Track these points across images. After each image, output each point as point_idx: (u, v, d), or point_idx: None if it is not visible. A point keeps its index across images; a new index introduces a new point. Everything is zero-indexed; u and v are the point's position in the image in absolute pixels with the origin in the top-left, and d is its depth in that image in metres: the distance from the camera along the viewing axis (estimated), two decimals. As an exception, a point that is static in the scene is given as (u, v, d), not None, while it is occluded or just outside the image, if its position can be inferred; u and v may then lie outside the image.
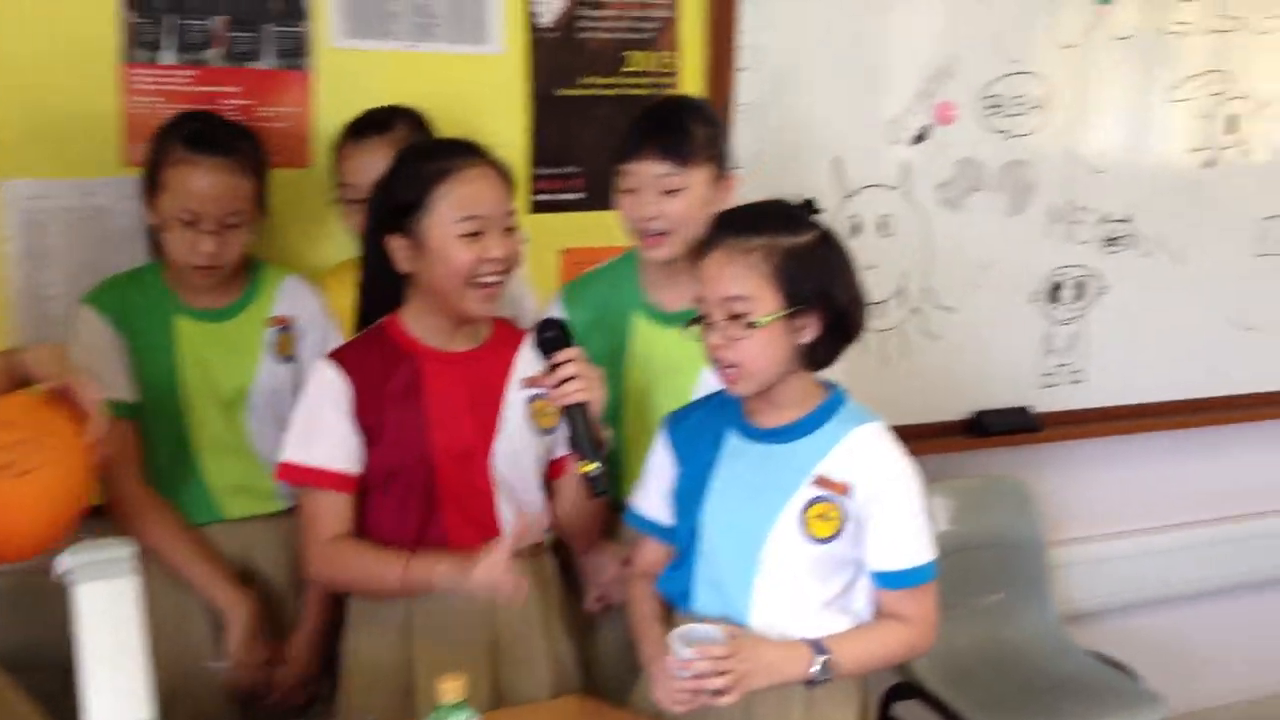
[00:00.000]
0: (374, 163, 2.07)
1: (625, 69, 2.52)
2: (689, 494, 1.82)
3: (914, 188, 2.79)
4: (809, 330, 1.71)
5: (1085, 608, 3.16)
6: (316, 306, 2.19)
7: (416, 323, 1.91)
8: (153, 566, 1.94)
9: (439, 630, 1.89)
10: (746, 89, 2.59)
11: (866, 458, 1.75)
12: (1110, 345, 3.06)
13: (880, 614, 1.79)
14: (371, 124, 2.16)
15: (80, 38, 2.13)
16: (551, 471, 2.00)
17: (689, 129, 1.99)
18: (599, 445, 1.85)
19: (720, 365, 1.73)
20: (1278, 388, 3.30)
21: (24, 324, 2.16)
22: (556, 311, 2.06)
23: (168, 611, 2.00)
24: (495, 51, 2.41)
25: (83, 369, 1.76)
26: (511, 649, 1.94)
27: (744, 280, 1.68)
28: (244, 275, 2.14)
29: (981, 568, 2.91)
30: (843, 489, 1.73)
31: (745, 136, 2.60)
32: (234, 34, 2.22)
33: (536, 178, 2.47)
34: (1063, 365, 3.04)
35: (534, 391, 1.92)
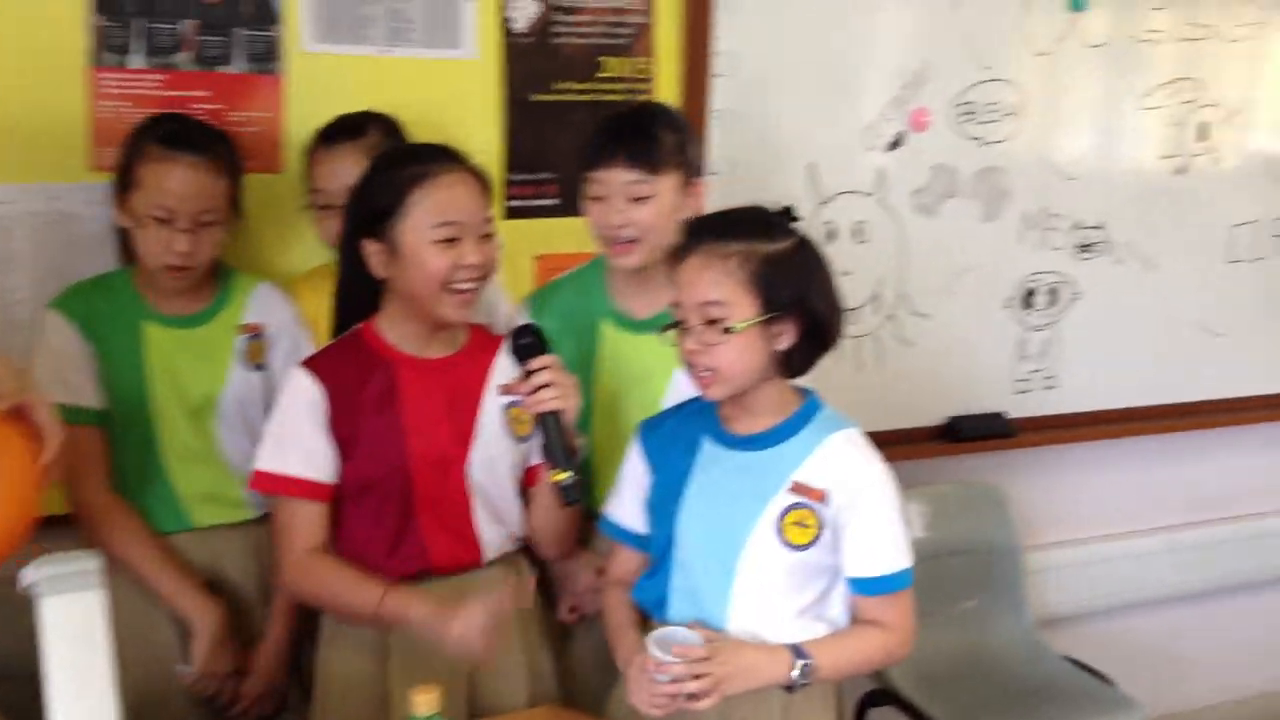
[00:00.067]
0: (346, 168, 2.07)
1: (600, 75, 2.51)
2: (664, 502, 1.81)
3: (889, 194, 2.79)
4: (785, 337, 1.70)
5: (1060, 613, 3.17)
6: (288, 314, 2.18)
7: (392, 329, 1.89)
8: (120, 574, 1.92)
9: (413, 641, 1.86)
10: (721, 95, 2.59)
11: (843, 464, 1.74)
12: (1083, 351, 3.08)
13: (857, 620, 1.78)
14: (344, 129, 2.15)
15: (48, 41, 2.10)
16: (527, 479, 1.98)
17: (657, 136, 1.98)
18: (571, 454, 1.84)
19: (695, 370, 1.72)
20: (1248, 393, 3.32)
21: (-10, 329, 2.13)
22: (522, 320, 2.05)
23: (135, 619, 1.98)
24: (469, 57, 2.40)
25: (39, 386, 1.73)
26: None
27: (721, 285, 1.67)
28: (215, 282, 2.12)
29: (956, 573, 2.91)
30: (820, 496, 1.72)
31: (720, 143, 2.59)
32: (204, 38, 2.20)
33: (510, 183, 2.46)
34: (1036, 371, 3.05)
35: (511, 399, 1.91)
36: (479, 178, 1.87)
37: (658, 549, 1.83)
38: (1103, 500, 3.27)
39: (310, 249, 2.27)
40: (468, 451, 1.89)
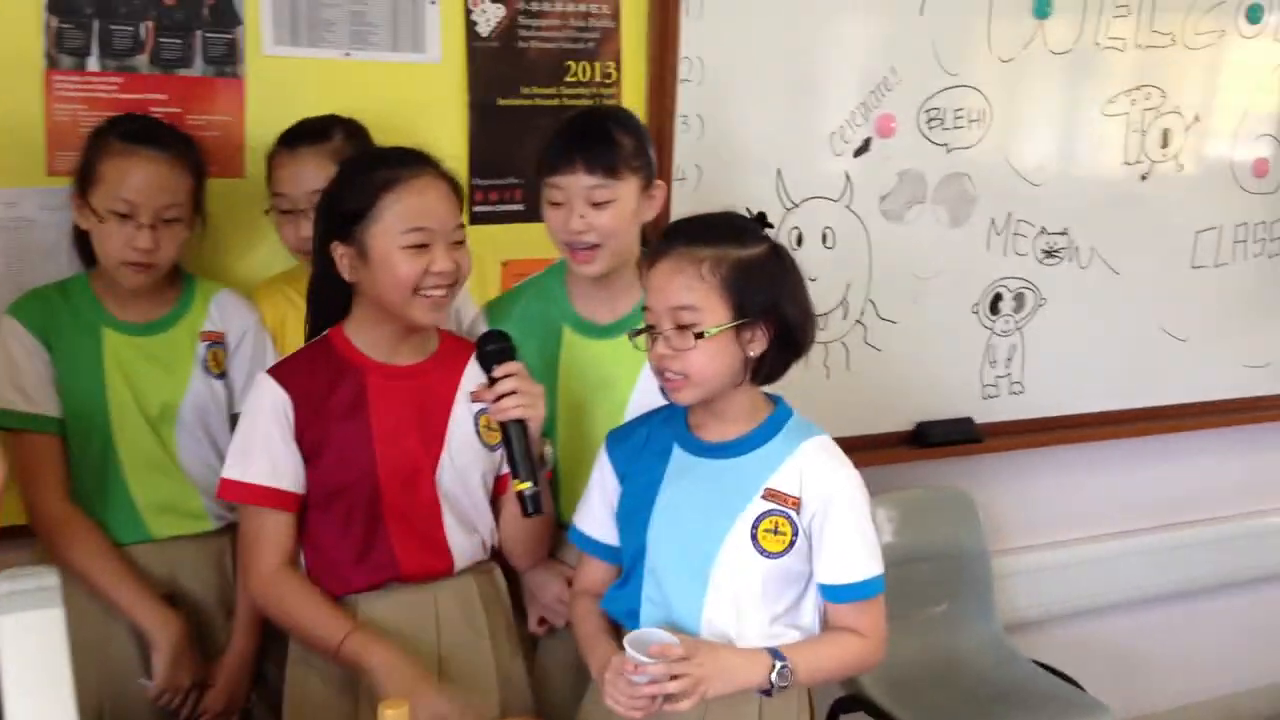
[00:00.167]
0: (309, 172, 2.06)
1: (566, 79, 2.49)
2: (634, 511, 1.80)
3: (856, 200, 2.79)
4: (757, 343, 1.70)
5: (1029, 617, 3.18)
6: (251, 321, 2.15)
7: (361, 335, 1.87)
8: (78, 586, 1.90)
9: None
10: (687, 101, 2.58)
11: (816, 471, 1.73)
12: (1049, 356, 3.09)
13: (830, 627, 1.78)
14: (307, 133, 2.12)
15: (2, 44, 2.06)
16: (499, 487, 1.96)
17: (616, 140, 1.95)
18: (535, 464, 1.81)
19: (665, 376, 1.71)
20: (1211, 397, 3.35)
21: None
22: (482, 329, 2.02)
23: (93, 632, 1.95)
24: (433, 60, 2.37)
25: None
26: (458, 670, 1.90)
27: (693, 290, 1.66)
28: (175, 288, 2.10)
29: (925, 579, 2.91)
30: (794, 503, 1.72)
31: (686, 149, 2.59)
32: (163, 40, 2.16)
33: (475, 189, 2.44)
34: (1003, 376, 3.06)
35: (482, 406, 1.88)
36: (451, 183, 1.85)
37: (628, 559, 1.81)
38: (1070, 504, 3.28)
39: (272, 255, 2.24)
40: (437, 459, 1.87)
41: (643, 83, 2.55)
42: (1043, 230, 3.01)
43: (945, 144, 2.86)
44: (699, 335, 1.66)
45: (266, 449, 1.81)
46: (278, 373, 1.85)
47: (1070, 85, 2.98)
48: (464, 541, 1.90)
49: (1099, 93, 3.02)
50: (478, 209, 2.44)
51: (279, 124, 2.15)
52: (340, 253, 1.81)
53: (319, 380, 1.83)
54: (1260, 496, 3.55)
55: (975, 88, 2.86)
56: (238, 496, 1.84)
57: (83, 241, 2.04)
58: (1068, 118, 3.02)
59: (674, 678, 1.61)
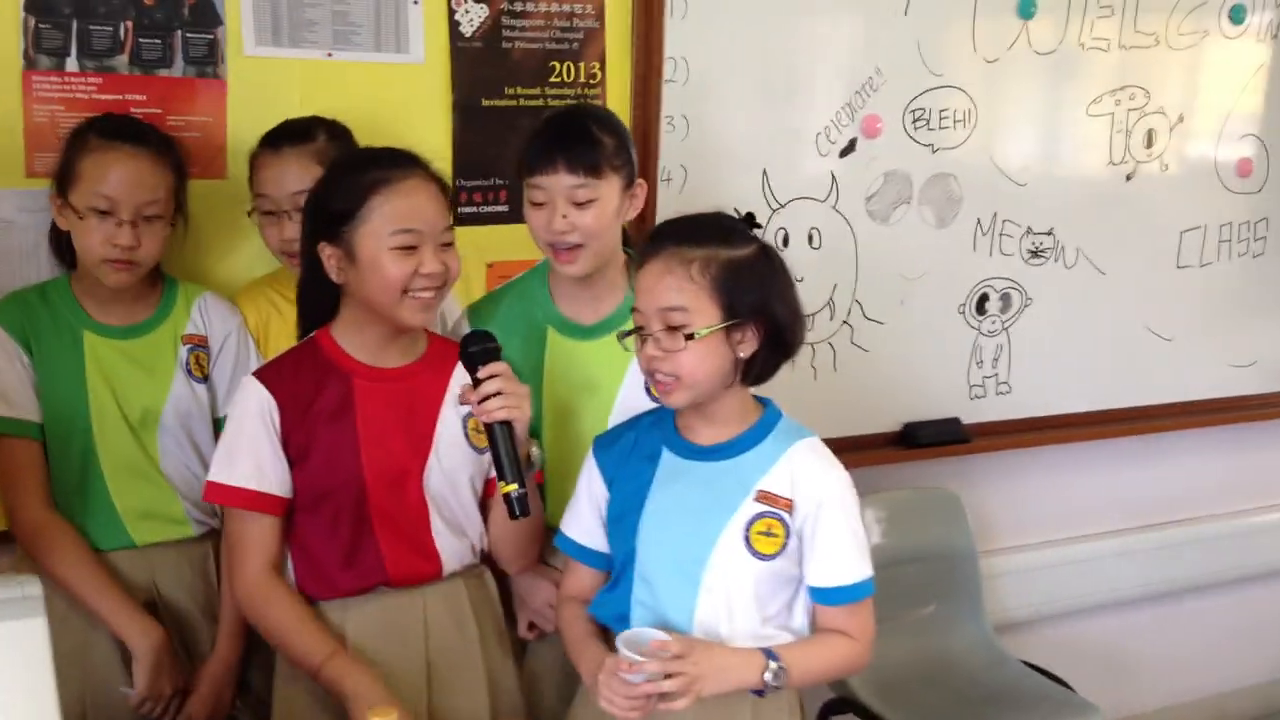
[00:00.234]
0: (293, 174, 2.04)
1: (551, 80, 2.47)
2: (623, 516, 1.78)
3: (842, 200, 2.79)
4: (747, 344, 1.69)
5: (1017, 617, 3.18)
6: (234, 324, 2.13)
7: (348, 337, 1.85)
8: (58, 593, 1.89)
9: (372, 657, 1.83)
10: (672, 101, 2.57)
11: (809, 473, 1.73)
12: (1036, 356, 3.09)
13: (820, 630, 1.77)
14: (290, 134, 2.10)
15: (-22, 43, 2.05)
16: (488, 490, 1.94)
17: (597, 138, 1.94)
18: (520, 465, 1.79)
19: (656, 377, 1.70)
20: (1196, 397, 3.35)
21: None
22: (465, 331, 2.01)
23: (75, 639, 1.94)
24: (416, 61, 2.36)
25: None
26: (447, 675, 1.89)
27: (683, 291, 1.65)
28: (157, 291, 2.08)
29: (914, 580, 2.91)
30: (787, 505, 1.71)
31: (671, 149, 2.57)
32: (142, 40, 2.14)
33: (460, 190, 2.42)
34: (990, 377, 3.06)
35: (470, 409, 1.86)
36: (440, 184, 1.84)
37: (618, 563, 1.80)
38: (1058, 504, 3.28)
39: (255, 257, 2.22)
40: (425, 462, 1.86)
41: (627, 83, 2.54)
42: (1028, 230, 3.02)
43: (931, 144, 2.85)
44: (689, 336, 1.65)
45: (252, 452, 1.79)
46: (264, 375, 1.83)
47: (1055, 85, 2.99)
48: (452, 545, 1.88)
49: (1083, 93, 3.02)
50: (462, 210, 2.42)
51: (261, 125, 2.13)
52: (328, 254, 1.80)
53: (305, 383, 1.82)
54: (1247, 495, 3.57)
55: (960, 88, 2.86)
56: (223, 499, 1.83)
57: (60, 244, 2.03)
58: (1052, 118, 3.02)
59: (668, 676, 1.60)
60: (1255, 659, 3.68)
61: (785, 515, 1.70)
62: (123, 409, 2.01)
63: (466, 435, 1.89)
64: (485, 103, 2.42)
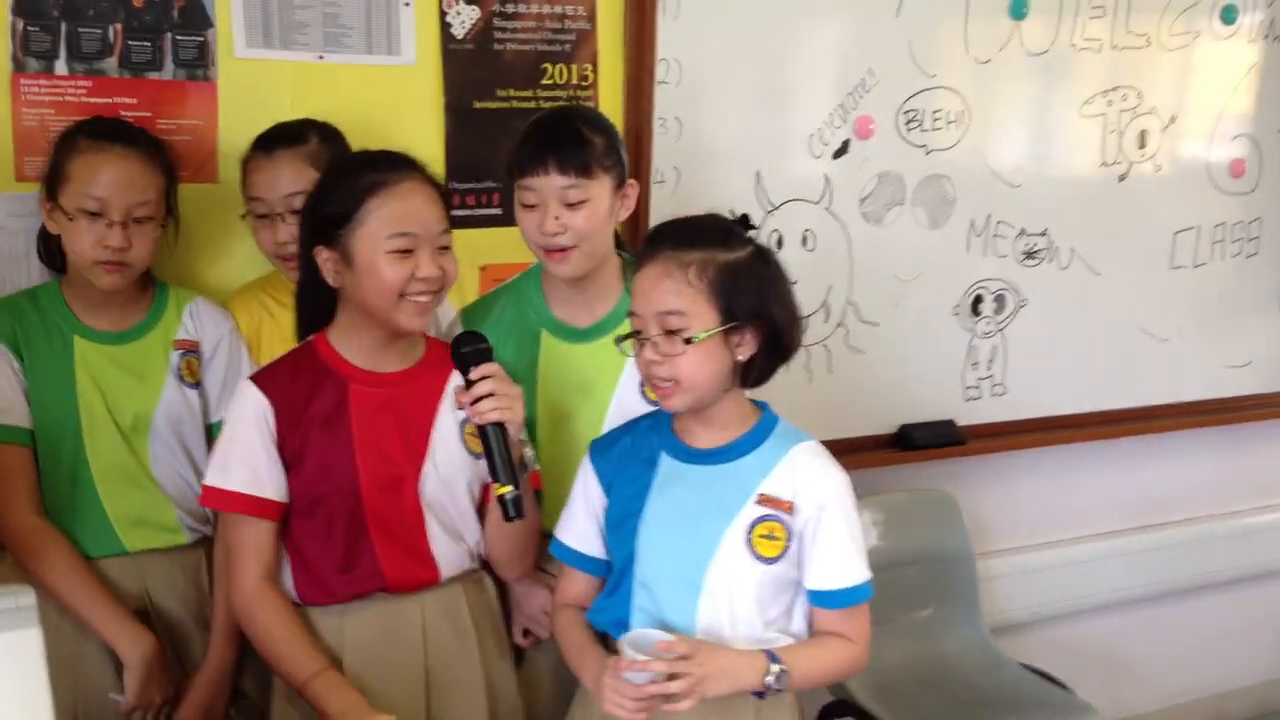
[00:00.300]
0: (286, 176, 2.04)
1: (543, 82, 2.46)
2: (622, 521, 1.77)
3: (835, 202, 2.78)
4: (746, 347, 1.68)
5: (1015, 619, 3.17)
6: (225, 329, 2.12)
7: (344, 342, 1.84)
8: (48, 600, 1.87)
9: (370, 663, 1.82)
10: (665, 103, 2.56)
11: (809, 475, 1.72)
12: (1030, 357, 3.08)
13: (818, 633, 1.76)
14: (283, 136, 2.09)
15: (-34, 46, 2.03)
16: (484, 496, 1.93)
17: (588, 139, 1.94)
18: (515, 467, 1.78)
19: (654, 381, 1.69)
20: (1191, 397, 3.35)
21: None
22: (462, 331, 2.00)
23: (67, 647, 1.92)
24: (407, 63, 2.35)
25: None
26: (446, 681, 1.88)
27: (681, 295, 1.65)
28: (148, 296, 2.07)
29: (911, 582, 2.90)
30: (788, 507, 1.70)
31: (664, 151, 2.56)
32: (132, 42, 2.12)
33: (452, 192, 2.40)
34: (985, 378, 3.05)
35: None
36: (437, 188, 1.83)
37: (617, 568, 1.79)
38: (1054, 506, 3.28)
39: (247, 261, 2.21)
40: (420, 468, 1.84)
41: (620, 85, 2.53)
42: (1022, 231, 3.01)
43: (924, 145, 2.85)
44: (688, 341, 1.64)
45: (248, 457, 1.79)
46: (260, 379, 1.83)
47: (1047, 86, 2.99)
48: (449, 550, 1.87)
49: (1076, 93, 3.02)
50: (454, 213, 2.38)
51: (252, 128, 2.12)
52: (324, 257, 1.79)
53: (301, 387, 1.81)
54: (1243, 496, 3.57)
55: (953, 89, 2.86)
56: (219, 504, 1.82)
57: (49, 249, 2.02)
58: (1045, 119, 3.02)
59: (672, 677, 1.59)
60: (1251, 659, 3.68)
61: (787, 518, 1.70)
62: (113, 415, 1.99)
63: (463, 440, 1.87)
64: (477, 105, 2.41)
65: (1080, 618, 3.31)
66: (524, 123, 2.03)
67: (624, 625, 1.75)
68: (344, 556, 1.81)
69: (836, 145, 2.76)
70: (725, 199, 2.49)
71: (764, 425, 1.76)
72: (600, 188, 1.94)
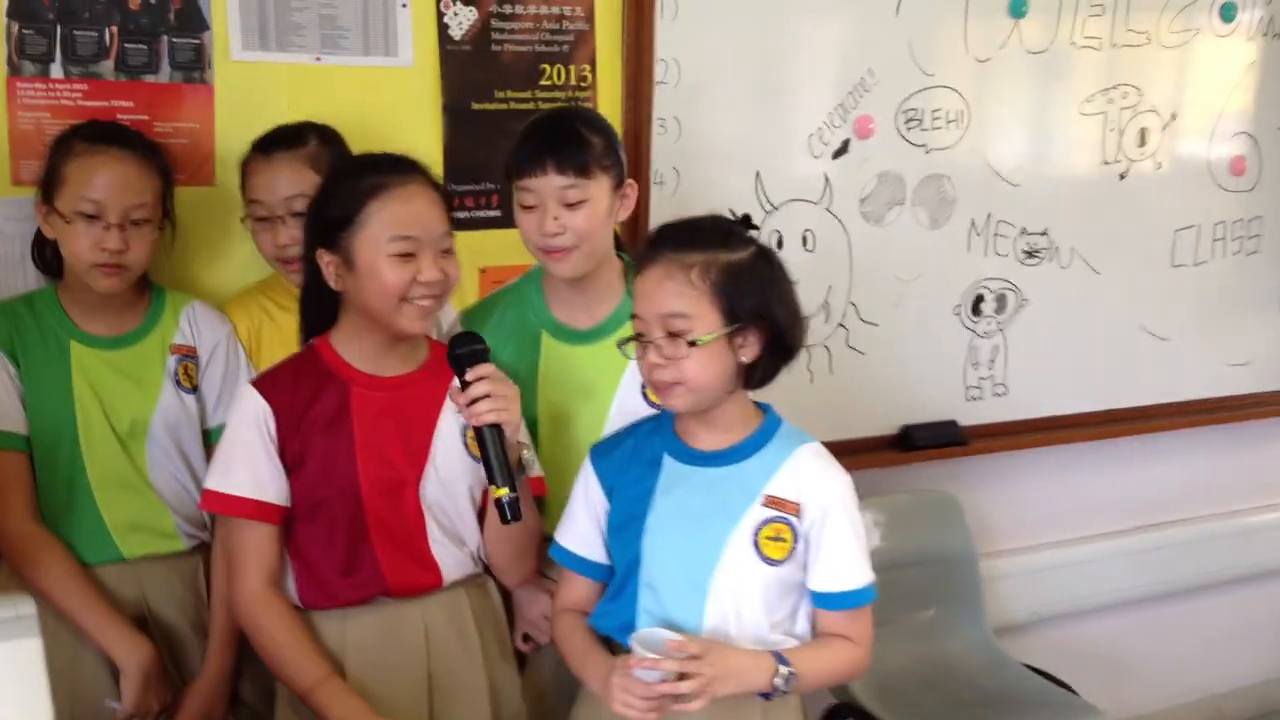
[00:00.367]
0: (285, 179, 2.03)
1: (541, 83, 2.45)
2: (626, 524, 1.76)
3: (835, 202, 2.77)
4: (749, 348, 1.67)
5: (1018, 620, 3.17)
6: (223, 334, 2.11)
7: (347, 345, 1.84)
8: (45, 607, 1.84)
9: (372, 668, 1.81)
10: (664, 103, 2.55)
11: (814, 477, 1.72)
12: (1032, 357, 3.08)
13: (821, 634, 1.76)
14: (282, 139, 2.08)
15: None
16: (485, 500, 1.91)
17: (586, 139, 1.93)
18: (512, 469, 1.76)
19: (658, 384, 1.68)
20: (1193, 396, 3.34)
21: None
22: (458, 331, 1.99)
23: (64, 655, 1.91)
24: (405, 65, 2.33)
25: None
26: (449, 685, 1.87)
27: (684, 297, 1.64)
28: (145, 300, 2.05)
29: (913, 583, 2.89)
30: (794, 509, 1.70)
31: (663, 152, 2.55)
32: (128, 45, 2.11)
33: (451, 194, 2.39)
34: (987, 378, 3.04)
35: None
36: (440, 191, 1.82)
37: (621, 572, 1.78)
38: (1057, 506, 3.27)
39: (245, 265, 2.20)
40: (422, 472, 1.83)
41: (618, 86, 2.52)
42: (1023, 231, 3.00)
43: (924, 145, 2.84)
44: (691, 343, 1.63)
45: (249, 460, 1.78)
46: (261, 383, 1.82)
47: (1047, 85, 2.98)
48: (451, 555, 1.86)
49: (1076, 92, 3.01)
50: (454, 215, 2.39)
51: (249, 131, 2.11)
52: (326, 260, 1.78)
53: (302, 391, 1.80)
54: (1244, 495, 3.56)
55: (953, 88, 2.85)
56: (220, 508, 1.81)
57: (44, 254, 2.01)
58: (1045, 117, 3.01)
59: (683, 677, 1.58)
60: (1252, 659, 3.67)
61: (793, 520, 1.69)
62: (110, 420, 1.98)
63: (465, 444, 1.86)
64: (475, 106, 2.40)
65: (1085, 618, 3.31)
66: (522, 124, 2.03)
67: (629, 629, 1.73)
68: (345, 560, 1.80)
69: (836, 145, 2.75)
70: (725, 199, 2.50)
71: (767, 427, 1.75)
72: (599, 188, 1.93)
